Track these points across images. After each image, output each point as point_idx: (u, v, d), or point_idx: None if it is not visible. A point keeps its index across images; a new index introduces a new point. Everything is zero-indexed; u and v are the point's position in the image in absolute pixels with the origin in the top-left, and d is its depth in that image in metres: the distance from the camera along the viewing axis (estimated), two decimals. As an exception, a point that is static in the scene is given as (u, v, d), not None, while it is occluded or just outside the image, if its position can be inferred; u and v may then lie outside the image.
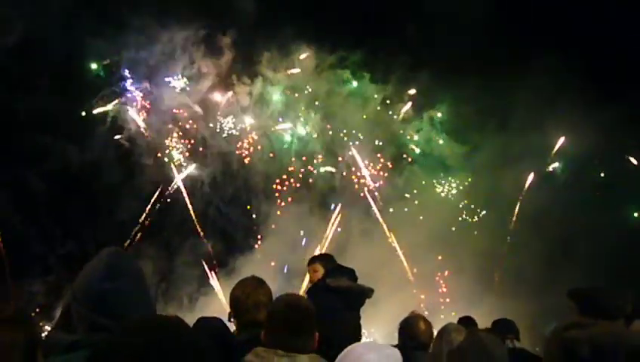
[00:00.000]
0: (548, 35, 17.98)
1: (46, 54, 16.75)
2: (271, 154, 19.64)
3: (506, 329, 5.49)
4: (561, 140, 19.79)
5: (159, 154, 19.01)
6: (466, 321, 5.98)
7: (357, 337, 4.83)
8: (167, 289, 17.49)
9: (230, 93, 19.61)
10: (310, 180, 19.76)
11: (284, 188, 19.56)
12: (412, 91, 20.42)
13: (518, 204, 19.30)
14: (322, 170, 19.98)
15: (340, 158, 20.14)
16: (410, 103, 20.56)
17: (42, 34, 15.98)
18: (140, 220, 18.42)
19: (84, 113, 18.67)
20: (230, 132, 19.59)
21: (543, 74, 16.86)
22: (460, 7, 17.43)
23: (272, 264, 17.18)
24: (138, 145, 18.82)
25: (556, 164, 20.48)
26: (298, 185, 19.64)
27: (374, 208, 19.54)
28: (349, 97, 20.29)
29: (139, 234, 18.20)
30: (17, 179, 16.75)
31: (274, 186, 19.55)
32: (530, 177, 19.65)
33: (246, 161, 19.49)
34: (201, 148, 19.41)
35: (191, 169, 19.06)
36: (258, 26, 18.38)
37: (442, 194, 20.05)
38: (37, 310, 15.31)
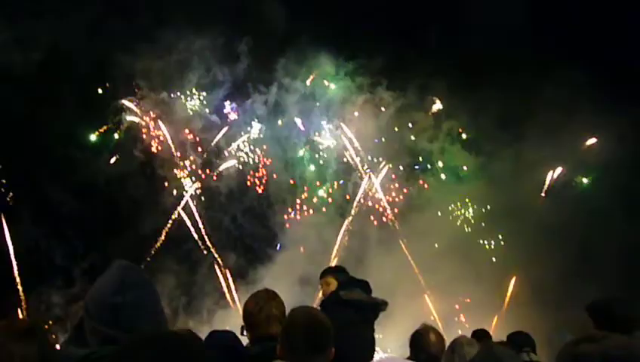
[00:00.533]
0: (567, 44, 17.86)
1: (67, 68, 16.98)
2: (291, 181, 19.54)
3: (522, 342, 5.38)
4: (592, 141, 19.52)
5: (175, 166, 19.10)
6: (481, 334, 5.91)
7: (371, 350, 4.80)
8: (188, 302, 17.51)
9: (247, 102, 19.63)
10: (329, 196, 19.62)
11: (300, 199, 19.55)
12: (437, 103, 20.31)
13: (538, 210, 19.04)
14: (336, 181, 19.91)
15: (357, 172, 20.07)
16: (439, 105, 20.36)
17: (62, 46, 16.24)
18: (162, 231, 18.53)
19: (101, 127, 18.86)
20: (244, 143, 19.65)
21: (563, 82, 16.69)
22: (478, 15, 17.38)
23: (289, 275, 17.11)
24: (156, 158, 18.97)
25: (578, 173, 20.23)
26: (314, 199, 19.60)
27: (389, 218, 19.43)
28: (365, 105, 20.19)
29: (156, 248, 18.26)
30: (40, 191, 16.97)
31: (290, 197, 19.54)
32: (549, 179, 19.40)
33: (262, 174, 19.50)
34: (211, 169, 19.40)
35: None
36: (276, 33, 18.35)
37: (459, 215, 19.75)
38: (50, 322, 15.42)
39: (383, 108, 20.03)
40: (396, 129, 20.17)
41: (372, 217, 19.66)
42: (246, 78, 19.37)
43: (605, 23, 17.99)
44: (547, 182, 19.78)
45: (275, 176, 19.54)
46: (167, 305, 16.14)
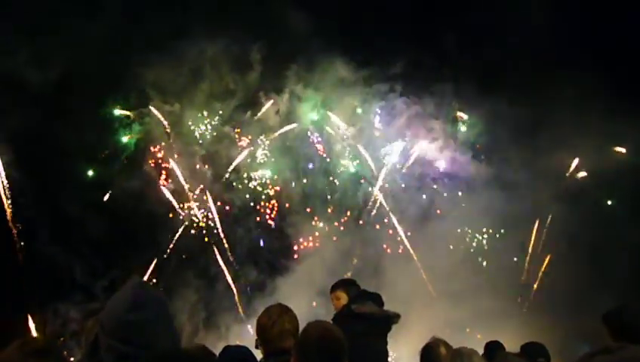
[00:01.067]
0: (587, 50, 17.77)
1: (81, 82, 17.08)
2: (308, 210, 19.54)
3: (536, 353, 5.33)
4: (622, 150, 19.34)
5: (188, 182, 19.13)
6: (494, 346, 5.85)
7: (384, 364, 4.79)
8: (207, 317, 17.47)
9: (260, 113, 19.61)
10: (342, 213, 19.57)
11: (313, 210, 19.53)
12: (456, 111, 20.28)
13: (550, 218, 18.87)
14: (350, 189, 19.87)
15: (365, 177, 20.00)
16: (459, 114, 20.30)
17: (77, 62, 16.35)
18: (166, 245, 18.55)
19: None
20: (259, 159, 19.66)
21: (578, 88, 16.58)
22: (495, 21, 17.33)
23: (306, 287, 17.06)
24: (170, 173, 19.01)
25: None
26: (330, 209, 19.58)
27: (403, 228, 19.33)
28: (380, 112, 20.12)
29: (173, 264, 18.28)
30: (59, 208, 17.06)
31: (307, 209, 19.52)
32: (576, 166, 19.23)
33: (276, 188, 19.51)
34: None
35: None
36: (288, 39, 17.90)
37: (474, 245, 19.53)
38: (62, 339, 15.41)
39: (396, 116, 19.98)
40: (409, 145, 20.09)
41: (386, 227, 19.58)
42: (258, 86, 19.26)
43: (626, 27, 17.86)
44: (563, 189, 19.60)
45: (287, 205, 19.44)
46: (187, 320, 16.22)
